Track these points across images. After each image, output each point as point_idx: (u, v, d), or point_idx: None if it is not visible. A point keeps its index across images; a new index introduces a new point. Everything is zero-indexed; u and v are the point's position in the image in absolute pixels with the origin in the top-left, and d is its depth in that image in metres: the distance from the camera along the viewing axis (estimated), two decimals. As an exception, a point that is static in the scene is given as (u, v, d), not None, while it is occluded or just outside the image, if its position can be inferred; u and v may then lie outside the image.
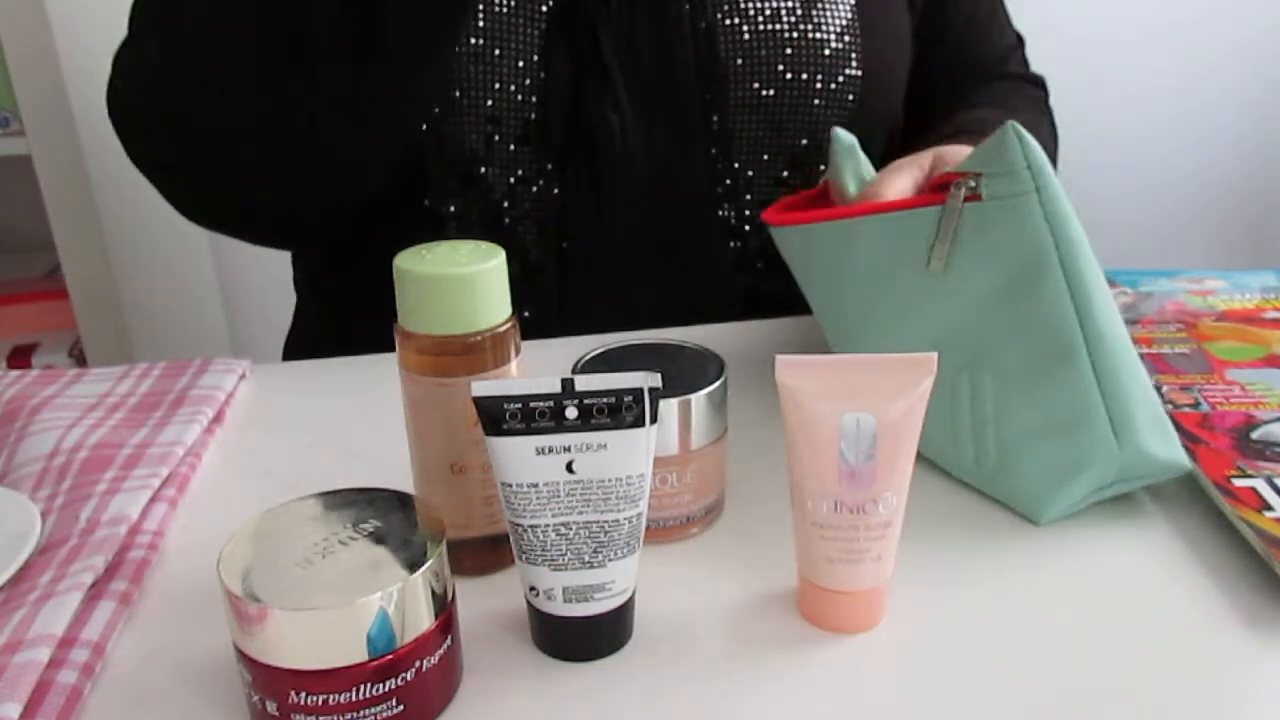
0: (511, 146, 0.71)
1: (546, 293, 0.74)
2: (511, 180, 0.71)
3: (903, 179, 0.57)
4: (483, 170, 0.71)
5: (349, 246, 0.77)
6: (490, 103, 0.69)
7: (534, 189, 0.72)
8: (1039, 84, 0.88)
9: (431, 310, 0.42)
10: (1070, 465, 0.48)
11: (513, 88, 0.69)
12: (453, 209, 0.72)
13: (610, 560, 0.40)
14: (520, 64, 0.69)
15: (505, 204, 0.72)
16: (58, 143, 1.34)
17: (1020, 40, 0.89)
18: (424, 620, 0.37)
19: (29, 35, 1.29)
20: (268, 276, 1.49)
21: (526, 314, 0.73)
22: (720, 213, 0.75)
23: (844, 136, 0.60)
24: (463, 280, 0.42)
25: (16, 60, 1.29)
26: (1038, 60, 0.90)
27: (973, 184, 0.49)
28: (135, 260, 1.44)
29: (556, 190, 0.72)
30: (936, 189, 0.53)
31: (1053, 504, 0.48)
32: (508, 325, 0.44)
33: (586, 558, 0.40)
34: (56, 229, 1.39)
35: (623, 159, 0.71)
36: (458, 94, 0.69)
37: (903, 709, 0.39)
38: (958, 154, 0.57)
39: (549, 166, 0.71)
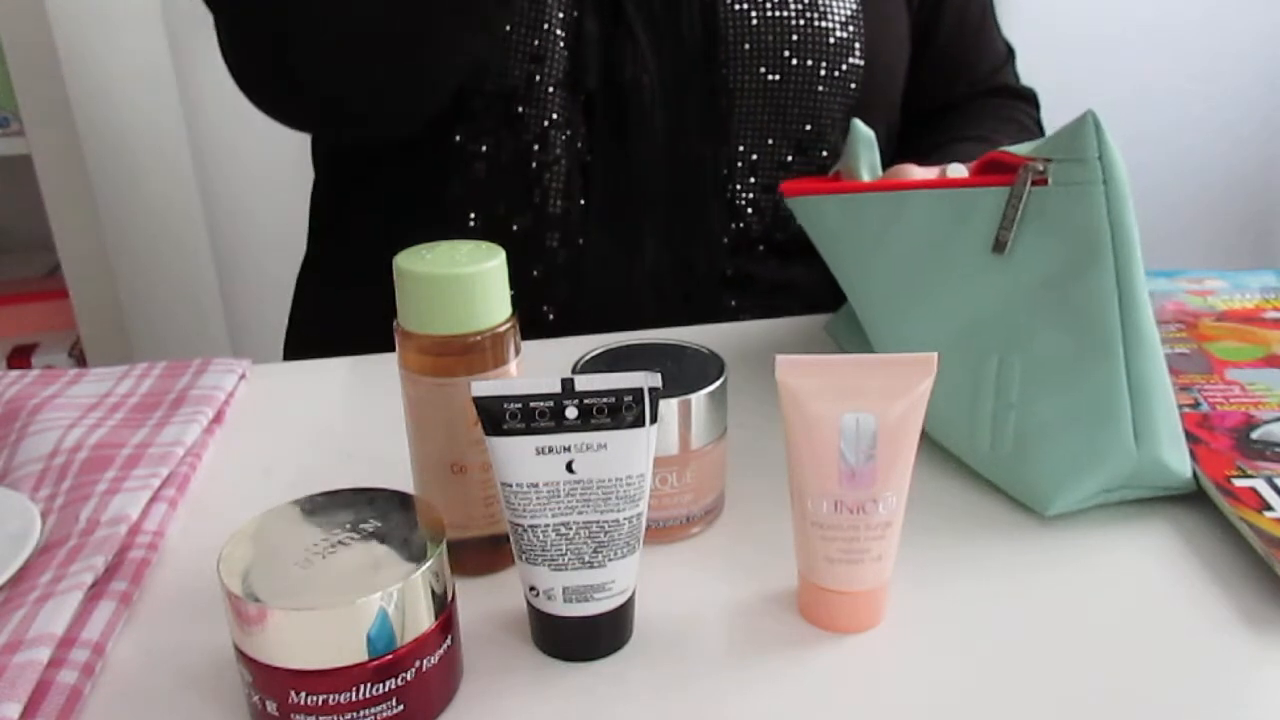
0: (550, 89, 0.72)
1: (557, 251, 0.74)
2: (546, 123, 0.72)
3: (922, 170, 0.58)
4: (520, 109, 0.72)
5: (373, 179, 0.77)
6: (536, 42, 0.70)
7: (564, 135, 0.73)
8: (1029, 98, 0.89)
9: (431, 310, 0.42)
10: (1085, 460, 0.48)
11: (558, 31, 0.71)
12: (484, 148, 0.73)
13: (610, 560, 0.40)
14: (561, 13, 0.71)
15: (536, 147, 0.73)
16: (58, 143, 1.34)
17: (1011, 52, 0.89)
18: (424, 620, 0.37)
19: (29, 35, 1.29)
20: (267, 276, 1.49)
21: (535, 272, 0.74)
22: (726, 195, 0.76)
23: (863, 129, 0.60)
24: (463, 280, 0.42)
25: (16, 60, 1.29)
26: (1037, 60, 0.90)
27: (1041, 168, 0.49)
28: (135, 260, 1.44)
29: (580, 144, 0.73)
30: (986, 169, 0.53)
31: (1062, 496, 0.48)
32: (508, 325, 0.44)
33: (586, 558, 0.40)
34: (56, 229, 1.39)
35: (649, 120, 0.73)
36: (508, 29, 0.70)
37: (903, 709, 0.39)
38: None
39: (580, 115, 0.73)
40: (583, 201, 0.74)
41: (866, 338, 0.61)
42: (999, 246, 0.50)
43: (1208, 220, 1.85)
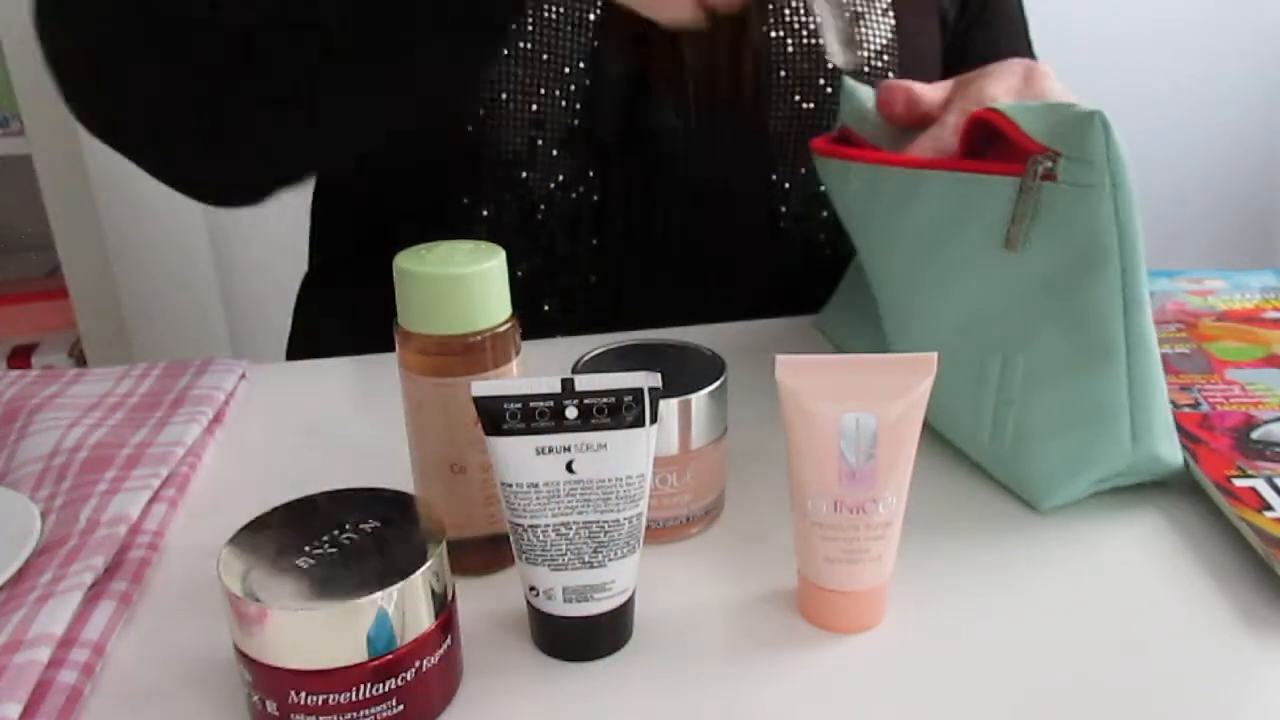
0: (554, 151, 0.70)
1: (571, 287, 0.74)
2: (551, 185, 0.71)
3: (929, 91, 0.58)
4: (523, 175, 0.70)
5: (366, 242, 0.76)
6: (535, 107, 0.69)
7: (573, 195, 0.72)
8: None
9: (431, 310, 0.42)
10: (1082, 459, 0.48)
11: (557, 92, 0.69)
12: (485, 213, 0.71)
13: (610, 560, 0.40)
14: (566, 70, 0.69)
15: (542, 206, 0.71)
16: (58, 143, 1.34)
17: None
18: (424, 620, 0.37)
19: (29, 35, 1.28)
20: (267, 276, 1.49)
21: (546, 307, 0.73)
22: (758, 222, 0.75)
23: (852, 85, 0.61)
24: (463, 280, 0.42)
25: (16, 60, 1.29)
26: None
27: (1050, 164, 0.49)
28: (135, 260, 1.44)
29: (596, 197, 0.72)
30: (975, 128, 0.52)
31: (1057, 493, 0.49)
32: (508, 325, 0.44)
33: (586, 558, 0.40)
34: (56, 229, 1.39)
35: (680, 165, 0.72)
36: (504, 96, 0.68)
37: (903, 709, 0.39)
38: (981, 90, 0.56)
39: (590, 173, 0.71)
40: (594, 241, 0.73)
41: (858, 330, 0.61)
42: (1009, 244, 0.50)
43: (1208, 220, 1.85)
